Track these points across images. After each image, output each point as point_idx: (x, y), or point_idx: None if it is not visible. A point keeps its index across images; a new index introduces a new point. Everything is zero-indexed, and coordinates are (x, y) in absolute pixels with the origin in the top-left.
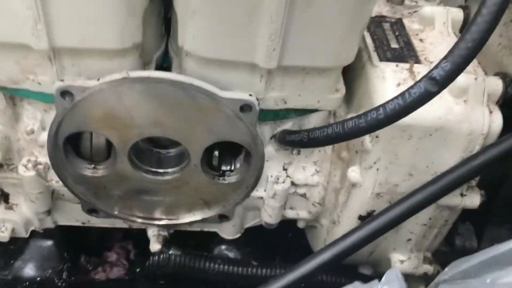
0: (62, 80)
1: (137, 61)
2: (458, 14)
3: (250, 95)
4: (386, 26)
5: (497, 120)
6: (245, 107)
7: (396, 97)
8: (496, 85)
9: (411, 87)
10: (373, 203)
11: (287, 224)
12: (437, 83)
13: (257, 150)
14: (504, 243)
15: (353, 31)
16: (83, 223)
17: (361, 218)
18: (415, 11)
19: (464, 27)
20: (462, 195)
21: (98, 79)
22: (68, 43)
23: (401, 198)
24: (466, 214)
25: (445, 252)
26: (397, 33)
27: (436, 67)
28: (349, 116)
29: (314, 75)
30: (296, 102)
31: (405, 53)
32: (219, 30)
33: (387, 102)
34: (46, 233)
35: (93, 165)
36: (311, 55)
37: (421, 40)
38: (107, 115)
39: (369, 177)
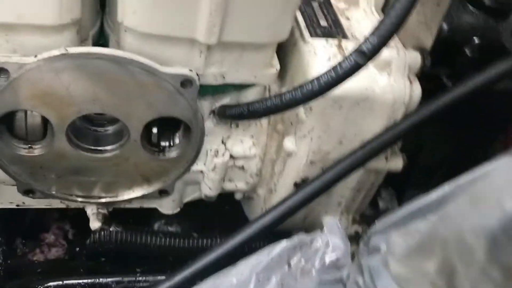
0: None
1: (75, 38)
2: None
3: (191, 70)
4: (315, 5)
5: (417, 90)
6: (186, 82)
7: (329, 70)
8: (415, 58)
9: (342, 60)
10: (307, 171)
11: (223, 199)
12: (365, 56)
13: (198, 124)
14: (421, 197)
15: (288, 7)
16: (17, 205)
17: (296, 185)
18: None
19: (385, 7)
20: (386, 159)
21: (35, 56)
22: (4, 18)
23: (333, 163)
24: (388, 180)
25: (370, 215)
26: (325, 12)
27: (364, 41)
28: (283, 90)
29: (251, 51)
30: (234, 77)
31: (333, 29)
32: (160, 4)
33: (321, 75)
34: None
35: (29, 145)
36: (250, 31)
37: (347, 18)
38: (45, 93)
39: (304, 146)
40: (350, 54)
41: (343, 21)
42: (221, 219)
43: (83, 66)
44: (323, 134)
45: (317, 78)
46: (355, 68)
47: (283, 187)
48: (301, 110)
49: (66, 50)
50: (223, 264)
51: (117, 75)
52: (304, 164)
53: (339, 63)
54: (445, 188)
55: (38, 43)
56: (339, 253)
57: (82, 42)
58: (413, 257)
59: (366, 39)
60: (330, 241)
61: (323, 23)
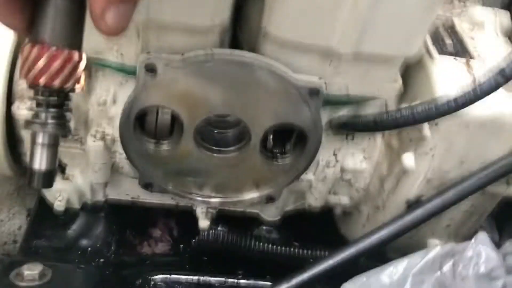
0: (148, 53)
1: (217, 40)
2: (505, 16)
3: (320, 78)
4: (439, 23)
5: None
6: (313, 91)
7: (467, 92)
8: None
9: (483, 82)
10: (423, 189)
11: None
12: (504, 76)
13: (316, 134)
14: None
15: (424, 22)
16: (132, 197)
17: (408, 202)
18: (463, 11)
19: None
20: (508, 183)
21: (182, 54)
22: (161, 16)
23: (452, 183)
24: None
25: None
26: (449, 31)
27: (506, 61)
28: (402, 106)
29: (379, 63)
30: (358, 89)
31: (459, 48)
32: (306, 12)
33: (460, 96)
34: (96, 206)
35: (157, 141)
36: (385, 42)
37: (472, 38)
38: (184, 91)
39: (424, 163)
40: (491, 75)
41: (467, 41)
42: (317, 232)
43: (222, 68)
44: (445, 153)
45: (455, 99)
46: (494, 89)
47: (393, 205)
48: (425, 127)
49: (212, 50)
50: (329, 276)
51: (251, 80)
52: (420, 181)
53: (480, 84)
54: None
55: (183, 42)
56: (494, 264)
57: (221, 45)
58: None
59: (509, 59)
60: (483, 252)
61: (448, 41)
